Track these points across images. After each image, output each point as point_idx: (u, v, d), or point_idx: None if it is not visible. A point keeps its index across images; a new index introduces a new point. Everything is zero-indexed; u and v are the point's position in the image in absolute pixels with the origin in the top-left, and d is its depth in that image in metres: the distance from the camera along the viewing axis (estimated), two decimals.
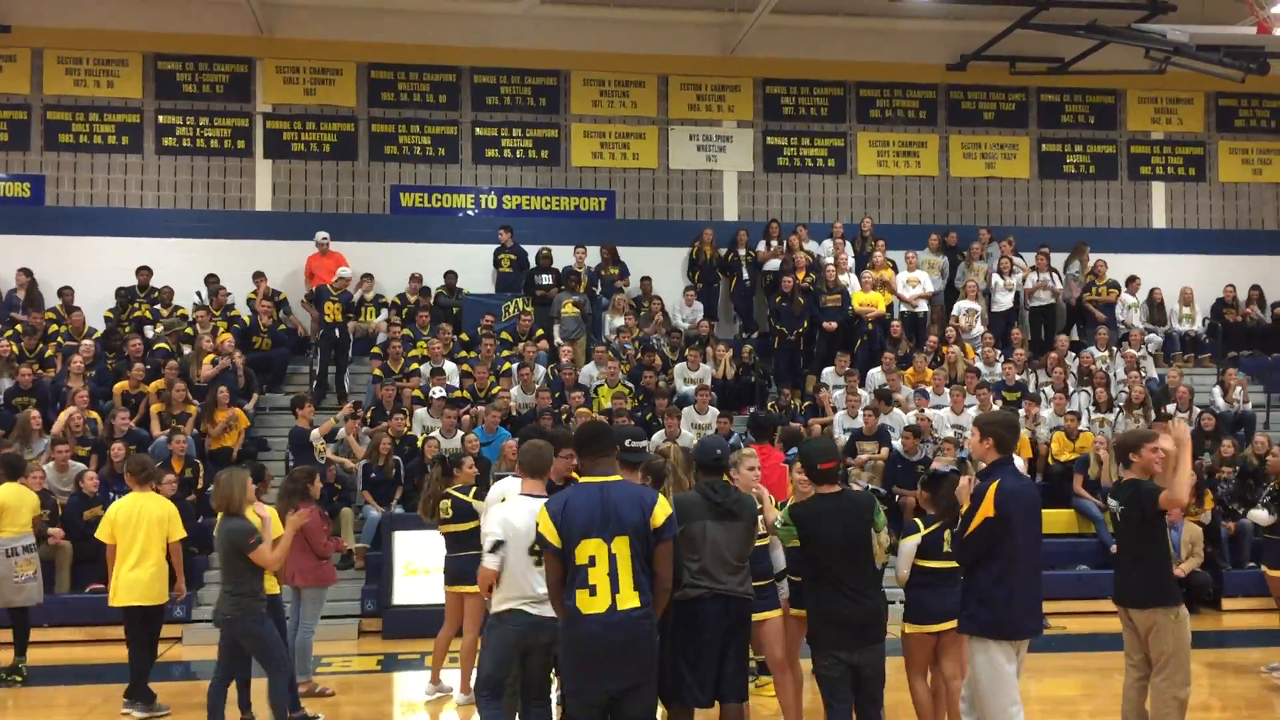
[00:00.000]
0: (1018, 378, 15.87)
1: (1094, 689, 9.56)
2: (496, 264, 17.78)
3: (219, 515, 7.90)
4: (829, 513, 6.15)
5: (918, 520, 7.21)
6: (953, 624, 6.95)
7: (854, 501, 6.35)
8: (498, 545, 6.05)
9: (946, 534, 7.00)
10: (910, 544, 7.07)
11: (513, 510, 6.10)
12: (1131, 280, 18.24)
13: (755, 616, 6.79)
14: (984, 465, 6.26)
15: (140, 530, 8.84)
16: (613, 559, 5.17)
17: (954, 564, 7.00)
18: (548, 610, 5.71)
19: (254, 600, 7.50)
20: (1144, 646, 6.63)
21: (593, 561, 5.16)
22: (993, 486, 5.95)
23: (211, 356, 14.85)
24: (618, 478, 5.46)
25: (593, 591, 5.15)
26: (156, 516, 8.96)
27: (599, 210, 18.73)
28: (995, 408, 14.73)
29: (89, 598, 11.85)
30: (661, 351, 16.43)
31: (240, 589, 7.41)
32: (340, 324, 16.19)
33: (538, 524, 5.33)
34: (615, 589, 5.16)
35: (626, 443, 6.05)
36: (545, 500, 5.49)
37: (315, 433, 12.90)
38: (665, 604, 5.45)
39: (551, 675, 6.40)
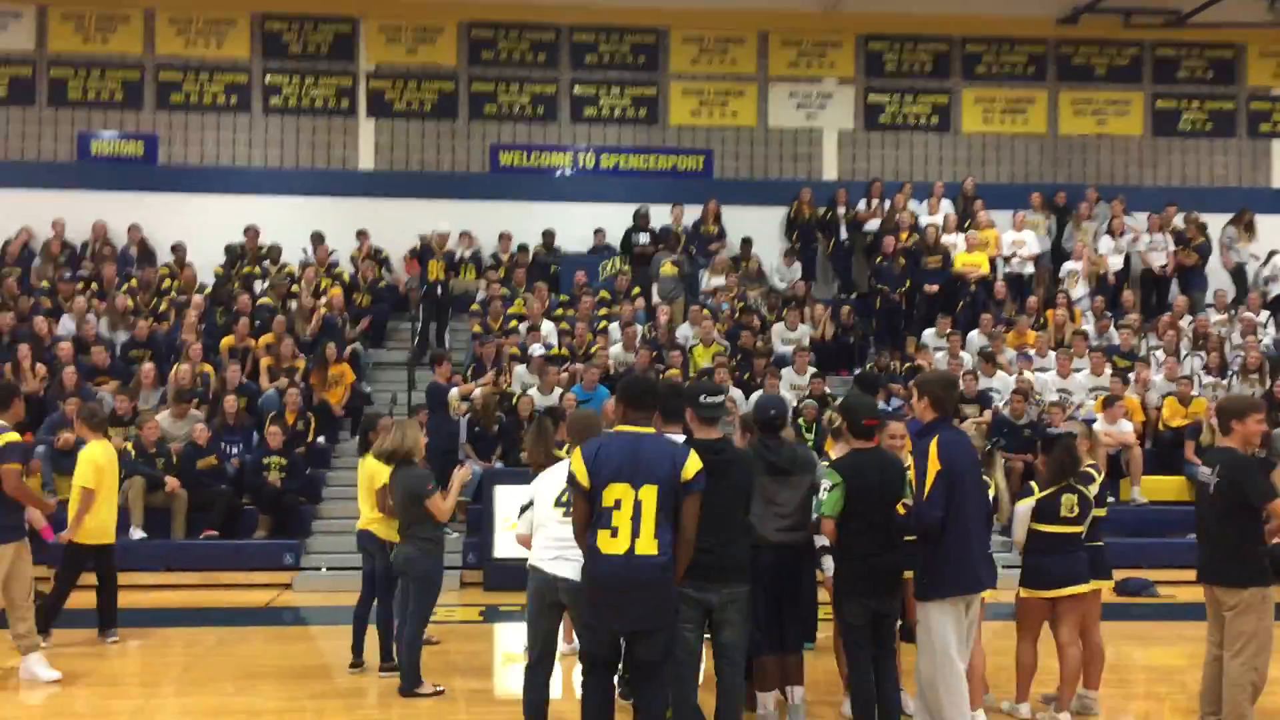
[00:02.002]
0: (1133, 342, 15.44)
1: (1203, 658, 9.28)
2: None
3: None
4: (870, 465, 6.16)
5: (1033, 484, 7.08)
6: (1069, 590, 6.88)
7: (889, 458, 6.41)
8: (524, 509, 6.38)
9: (1064, 498, 6.87)
10: (1024, 507, 6.95)
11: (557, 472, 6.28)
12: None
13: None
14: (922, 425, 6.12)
15: (111, 476, 9.34)
16: (637, 505, 5.30)
17: (1073, 529, 6.91)
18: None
19: (435, 545, 7.70)
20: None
21: (618, 505, 5.30)
22: (933, 441, 5.85)
23: (323, 311, 15.16)
24: (652, 431, 5.58)
25: (614, 533, 5.30)
26: (115, 462, 9.52)
27: (697, 169, 18.59)
28: (1108, 372, 14.40)
29: (204, 544, 12.23)
30: (759, 312, 16.31)
31: (422, 533, 7.60)
32: (443, 282, 16.38)
33: (572, 466, 5.49)
34: (635, 534, 5.30)
35: (701, 398, 6.06)
36: (583, 444, 5.59)
37: (454, 393, 13.09)
38: (687, 556, 5.50)
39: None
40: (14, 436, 8.19)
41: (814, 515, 6.34)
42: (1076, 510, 6.91)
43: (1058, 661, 7.04)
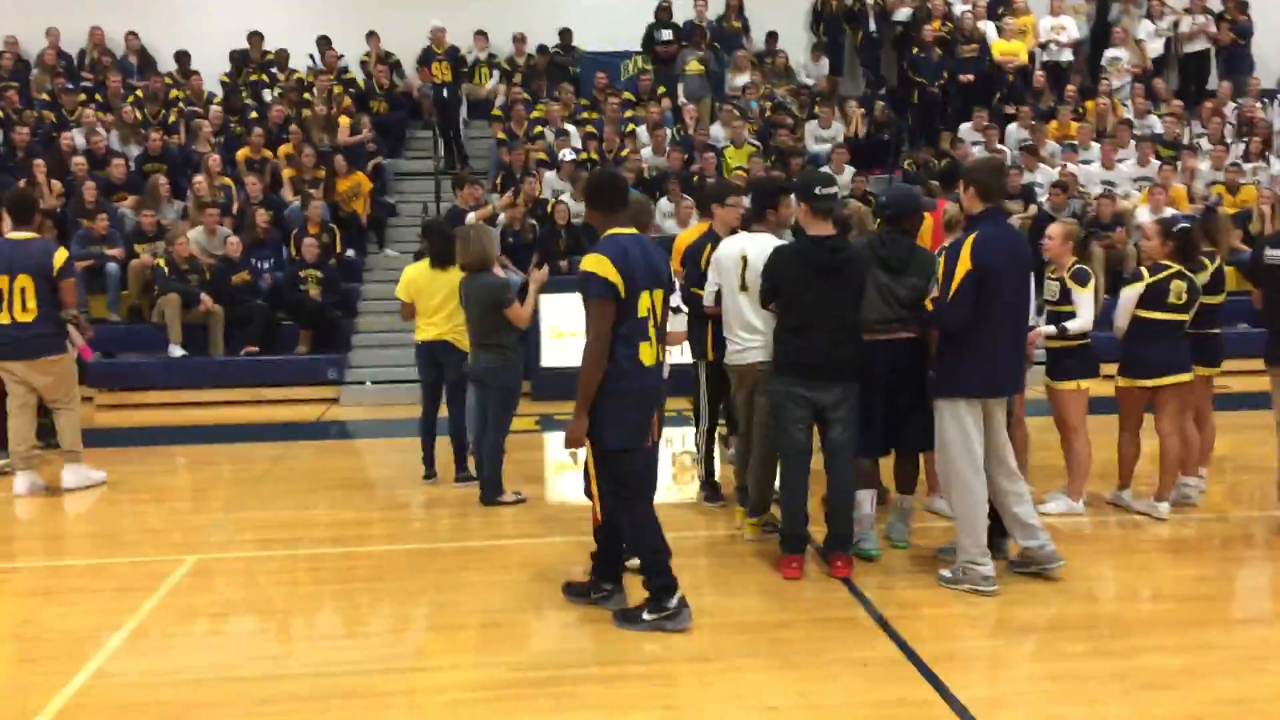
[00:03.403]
0: (1176, 130, 14.99)
1: (1245, 447, 9.26)
2: None
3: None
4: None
5: (1143, 269, 6.83)
6: (1170, 379, 6.74)
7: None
8: None
9: (1173, 284, 6.66)
10: (1131, 292, 6.72)
11: None
12: None
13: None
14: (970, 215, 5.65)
15: None
16: (654, 311, 5.11)
17: (1179, 316, 6.72)
18: None
19: (515, 353, 7.47)
20: None
21: (648, 314, 5.07)
22: (969, 239, 5.40)
23: (349, 122, 14.59)
24: (635, 232, 5.24)
25: (651, 343, 5.09)
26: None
27: None
28: (1154, 162, 14.03)
29: (246, 360, 12.05)
30: (790, 110, 15.74)
31: (503, 341, 7.37)
32: (450, 84, 15.70)
33: (599, 272, 4.93)
34: (658, 341, 5.16)
35: (817, 190, 5.75)
36: (601, 248, 5.08)
37: (471, 217, 12.64)
38: None
39: None
40: (67, 251, 8.08)
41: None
42: (1185, 298, 6.70)
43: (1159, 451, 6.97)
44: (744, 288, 6.23)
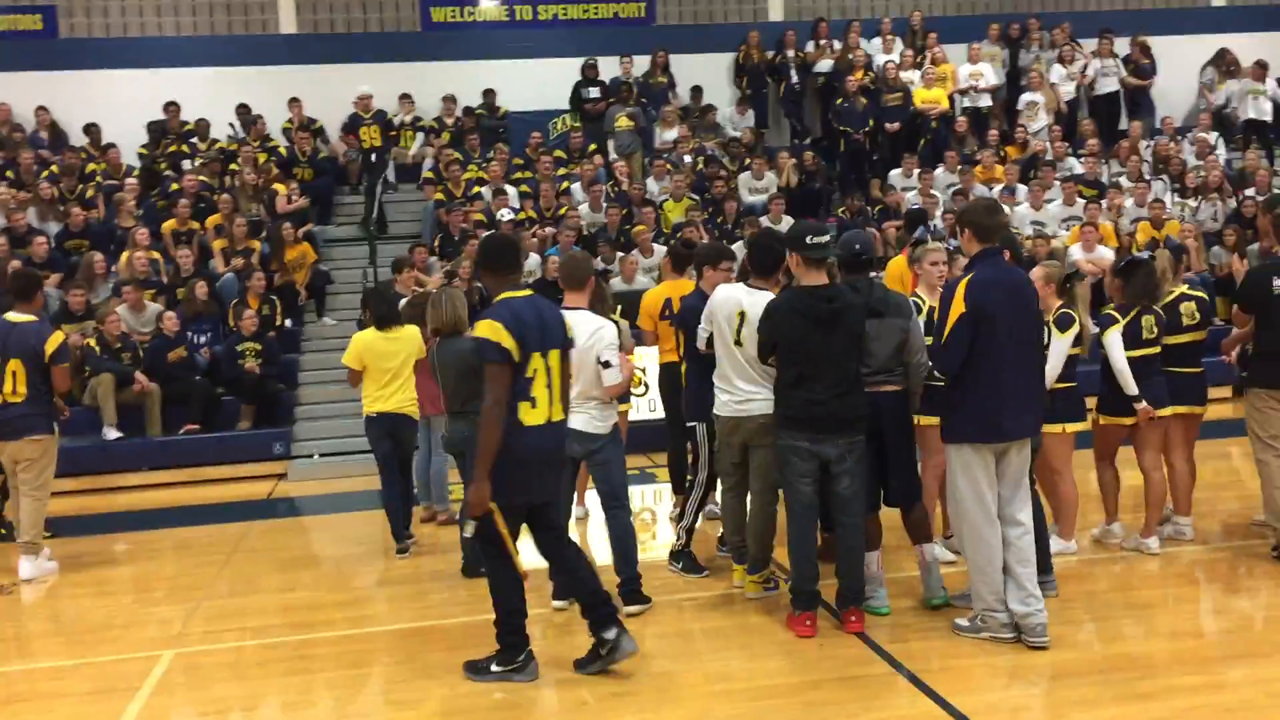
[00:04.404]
0: (1096, 170, 15.43)
1: (1214, 475, 9.41)
2: None
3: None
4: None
5: (1113, 311, 6.90)
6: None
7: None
8: None
9: (1144, 320, 6.77)
10: (1116, 334, 6.74)
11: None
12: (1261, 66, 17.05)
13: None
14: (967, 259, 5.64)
15: None
16: (549, 372, 5.19)
17: (1151, 350, 6.80)
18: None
19: None
20: None
21: (535, 374, 5.15)
22: (963, 281, 5.35)
23: (286, 191, 14.30)
24: (529, 293, 5.38)
25: (534, 404, 5.15)
26: None
27: (639, 16, 17.83)
28: (1078, 201, 14.39)
29: (187, 439, 11.60)
30: (723, 162, 15.84)
31: (480, 408, 7.10)
32: (378, 149, 15.52)
33: (493, 338, 5.05)
34: (551, 401, 5.21)
35: (808, 239, 5.70)
36: (492, 314, 5.16)
37: (403, 304, 12.40)
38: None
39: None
40: (63, 335, 8.11)
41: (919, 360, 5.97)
42: (1155, 331, 6.80)
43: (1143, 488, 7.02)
44: (739, 343, 6.10)
